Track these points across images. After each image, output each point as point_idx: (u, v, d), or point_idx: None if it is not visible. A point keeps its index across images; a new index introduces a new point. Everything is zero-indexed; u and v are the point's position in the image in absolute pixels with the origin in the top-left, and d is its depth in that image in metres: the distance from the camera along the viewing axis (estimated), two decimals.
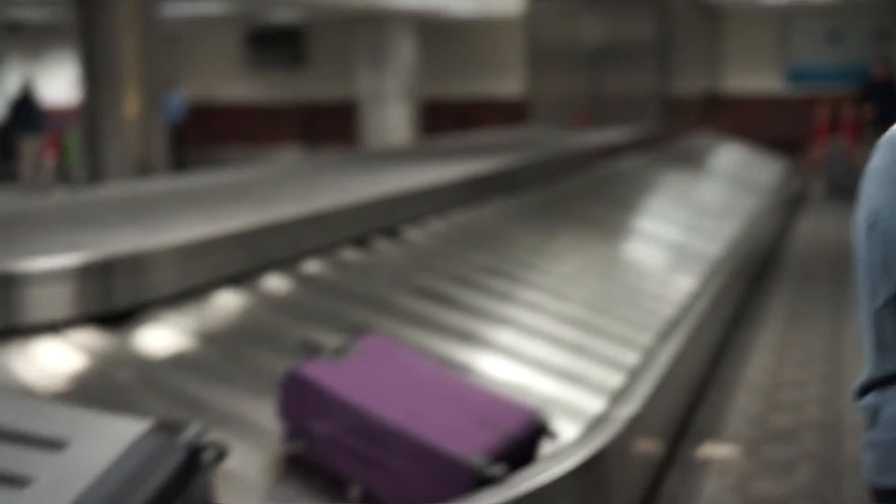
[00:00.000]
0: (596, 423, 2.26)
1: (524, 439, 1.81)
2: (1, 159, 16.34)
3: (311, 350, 2.26)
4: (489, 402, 1.85)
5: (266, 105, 18.37)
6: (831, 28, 13.89)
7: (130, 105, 8.64)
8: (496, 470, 1.65)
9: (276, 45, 17.95)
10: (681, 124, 10.70)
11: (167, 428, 1.44)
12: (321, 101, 17.77)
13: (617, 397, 2.53)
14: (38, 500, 1.29)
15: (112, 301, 2.30)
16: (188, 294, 2.52)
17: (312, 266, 3.02)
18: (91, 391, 1.99)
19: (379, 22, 14.98)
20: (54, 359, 2.11)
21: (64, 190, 13.10)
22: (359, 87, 15.57)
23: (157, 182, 4.63)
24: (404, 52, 15.08)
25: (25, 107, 14.27)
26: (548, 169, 5.73)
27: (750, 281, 5.42)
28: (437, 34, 16.67)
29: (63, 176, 15.26)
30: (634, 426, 2.34)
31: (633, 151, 7.86)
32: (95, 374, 2.09)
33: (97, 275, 2.27)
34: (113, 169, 8.67)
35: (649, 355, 2.98)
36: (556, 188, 5.54)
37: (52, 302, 2.19)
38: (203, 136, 17.68)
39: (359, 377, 1.79)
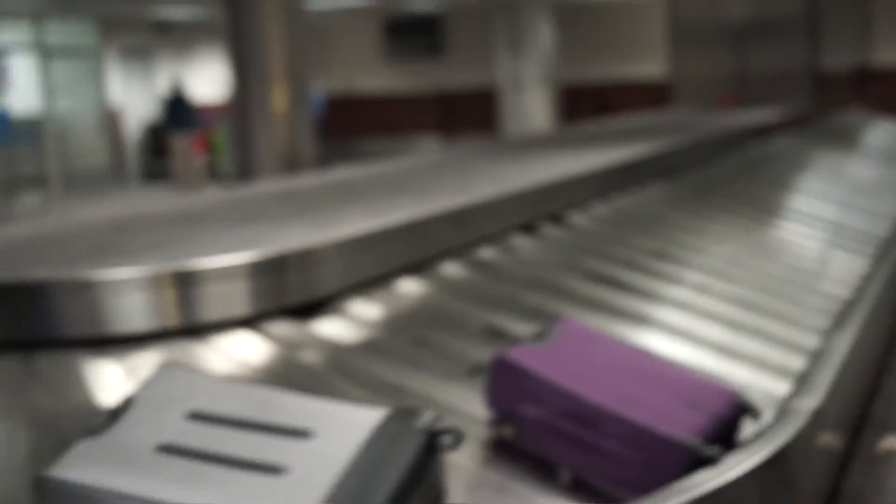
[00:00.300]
0: (780, 415, 2.21)
1: (729, 420, 1.79)
2: (154, 157, 16.93)
3: (496, 335, 2.29)
4: (692, 383, 1.84)
5: (405, 95, 18.53)
6: None
7: (278, 99, 8.81)
8: (712, 450, 1.64)
9: (413, 34, 18.11)
10: (831, 101, 10.40)
11: (404, 414, 1.48)
12: (459, 89, 17.85)
13: (800, 383, 2.48)
14: (298, 488, 1.33)
15: (294, 295, 2.35)
16: (367, 284, 2.57)
17: (485, 252, 3.07)
18: (287, 381, 2.05)
19: (516, 7, 14.96)
20: (245, 352, 2.17)
21: (215, 186, 13.48)
22: (497, 74, 15.59)
23: (310, 176, 4.70)
24: (542, 37, 15.02)
25: (178, 105, 14.72)
26: (701, 152, 5.66)
27: None
28: (574, 17, 16.55)
29: (213, 172, 15.70)
30: (819, 418, 2.28)
31: (783, 131, 7.69)
32: (287, 363, 2.15)
33: (276, 269, 2.32)
34: (261, 164, 8.87)
35: (828, 340, 2.91)
36: (710, 170, 5.48)
37: (235, 298, 2.23)
38: (343, 128, 17.92)
39: (564, 361, 1.80)
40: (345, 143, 17.22)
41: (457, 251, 2.96)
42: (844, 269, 3.99)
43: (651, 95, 13.90)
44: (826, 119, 9.18)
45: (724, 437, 1.76)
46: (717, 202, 4.71)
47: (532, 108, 15.27)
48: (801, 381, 2.50)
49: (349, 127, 18.09)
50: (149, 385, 1.56)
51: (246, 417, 1.47)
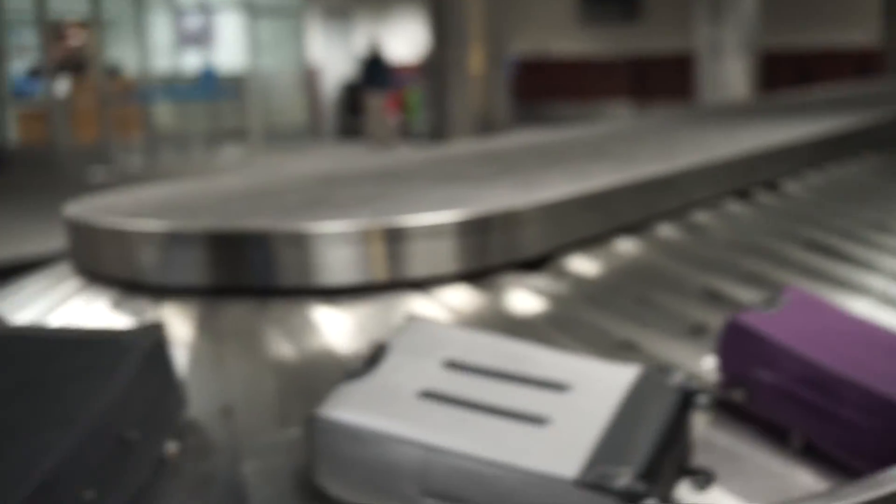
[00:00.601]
0: None
1: None
2: (349, 115, 17.30)
3: (715, 297, 2.27)
4: None
5: (598, 59, 18.29)
6: None
7: (475, 61, 8.84)
8: None
9: None
10: None
11: (657, 372, 1.48)
12: (654, 54, 17.50)
13: None
14: (563, 439, 1.35)
15: (504, 253, 2.35)
16: (576, 245, 2.56)
17: (700, 217, 3.04)
18: (506, 334, 2.06)
19: None
20: (463, 304, 2.19)
21: (407, 145, 13.68)
22: (695, 40, 15.22)
23: (508, 138, 4.70)
24: (744, 1, 14.56)
25: (374, 65, 14.96)
26: None
27: None
28: None
29: (405, 131, 15.92)
30: None
31: None
32: (505, 317, 2.17)
33: (485, 228, 2.31)
34: (455, 125, 8.95)
35: None
36: None
37: (447, 254, 2.25)
38: (535, 91, 17.85)
39: (797, 327, 1.77)
40: (536, 106, 17.19)
41: (668, 215, 2.94)
42: None
43: (858, 65, 13.34)
44: None
45: None
46: None
47: (730, 75, 14.84)
48: None
49: (541, 90, 18.04)
50: (401, 333, 1.60)
51: (502, 368, 1.49)
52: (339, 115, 17.83)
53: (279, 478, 1.55)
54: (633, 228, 2.77)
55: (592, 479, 1.27)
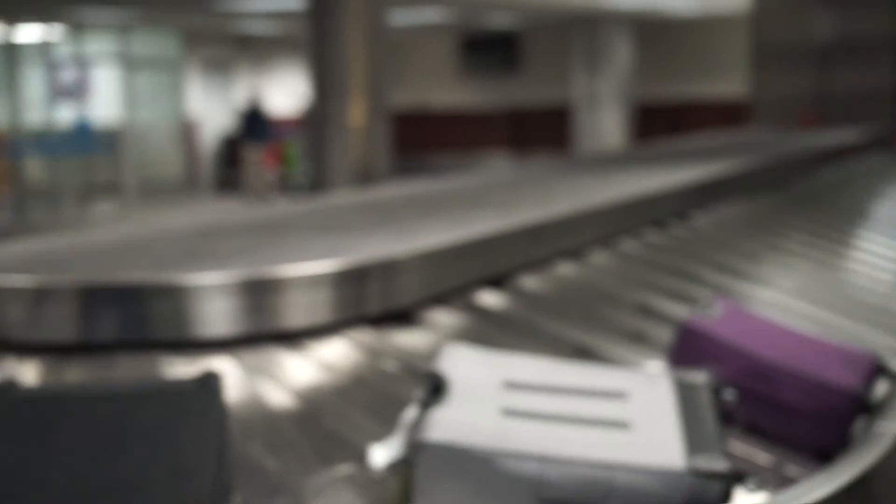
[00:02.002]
0: (863, 439, 2.20)
1: (874, 377, 2.01)
2: (228, 168, 17.15)
3: (584, 351, 2.35)
4: (840, 347, 2.06)
5: (477, 111, 18.51)
6: None
7: (356, 113, 8.86)
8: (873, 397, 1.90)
9: (489, 50, 18.09)
10: None
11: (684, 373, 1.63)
12: (532, 106, 17.79)
13: (882, 406, 2.45)
14: (653, 436, 1.45)
15: (377, 303, 2.36)
16: (453, 294, 2.59)
17: (563, 269, 3.13)
18: (365, 382, 2.10)
19: (595, 24, 14.92)
20: (328, 357, 2.19)
21: (285, 198, 13.61)
22: (572, 91, 15.56)
23: (388, 189, 4.73)
24: (620, 55, 14.98)
25: (253, 118, 14.89)
26: (782, 171, 5.64)
27: None
28: (653, 35, 16.40)
29: (284, 184, 15.84)
30: None
31: (866, 151, 7.61)
32: (367, 367, 2.17)
33: (359, 278, 2.33)
34: (335, 177, 8.93)
35: None
36: (791, 190, 5.45)
37: (317, 306, 2.25)
38: (414, 143, 17.94)
39: (736, 330, 2.01)
40: (415, 157, 17.29)
41: (531, 265, 3.02)
42: None
43: (726, 115, 13.77)
44: None
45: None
46: (792, 222, 4.67)
47: (606, 125, 15.22)
48: (884, 400, 2.46)
49: (420, 142, 18.17)
50: (445, 361, 1.60)
51: (558, 384, 1.55)
52: (217, 169, 17.69)
53: None
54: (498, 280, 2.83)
55: (702, 467, 1.37)
